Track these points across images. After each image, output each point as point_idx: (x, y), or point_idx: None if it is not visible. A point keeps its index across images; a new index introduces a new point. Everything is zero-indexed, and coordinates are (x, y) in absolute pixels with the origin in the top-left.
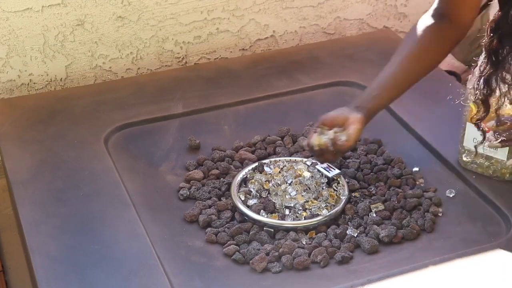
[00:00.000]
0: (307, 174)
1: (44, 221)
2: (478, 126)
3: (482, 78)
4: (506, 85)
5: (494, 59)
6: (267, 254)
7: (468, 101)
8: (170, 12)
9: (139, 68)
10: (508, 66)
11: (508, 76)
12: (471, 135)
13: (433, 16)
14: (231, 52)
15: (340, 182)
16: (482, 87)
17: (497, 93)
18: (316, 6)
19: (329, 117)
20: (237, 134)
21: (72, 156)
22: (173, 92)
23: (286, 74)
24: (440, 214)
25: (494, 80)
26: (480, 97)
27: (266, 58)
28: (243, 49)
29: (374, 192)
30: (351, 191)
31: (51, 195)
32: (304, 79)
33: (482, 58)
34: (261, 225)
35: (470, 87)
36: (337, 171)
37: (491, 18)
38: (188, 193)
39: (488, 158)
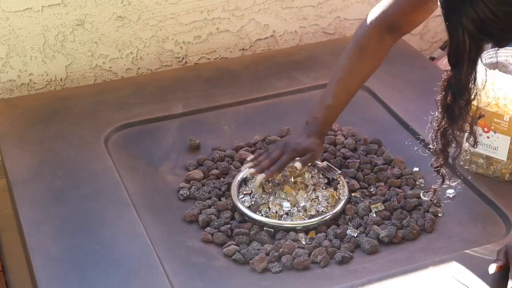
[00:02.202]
0: (307, 174)
1: (44, 221)
2: (438, 172)
3: (439, 131)
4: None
5: (449, 113)
6: (267, 254)
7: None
8: (170, 12)
9: (139, 68)
10: (463, 119)
11: (466, 126)
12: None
13: (378, 27)
14: (231, 52)
15: (340, 182)
16: (439, 139)
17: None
18: (316, 6)
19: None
20: (237, 134)
21: (72, 156)
22: (173, 92)
23: (286, 74)
24: (440, 214)
25: (450, 133)
26: (439, 148)
27: (266, 58)
28: (243, 49)
29: (374, 192)
30: (351, 191)
31: (51, 195)
32: (304, 79)
33: (437, 112)
34: (261, 225)
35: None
36: (337, 171)
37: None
38: (188, 193)
39: (488, 158)
